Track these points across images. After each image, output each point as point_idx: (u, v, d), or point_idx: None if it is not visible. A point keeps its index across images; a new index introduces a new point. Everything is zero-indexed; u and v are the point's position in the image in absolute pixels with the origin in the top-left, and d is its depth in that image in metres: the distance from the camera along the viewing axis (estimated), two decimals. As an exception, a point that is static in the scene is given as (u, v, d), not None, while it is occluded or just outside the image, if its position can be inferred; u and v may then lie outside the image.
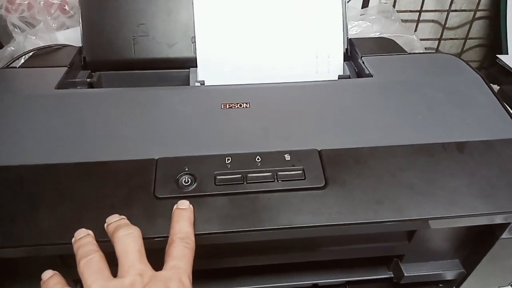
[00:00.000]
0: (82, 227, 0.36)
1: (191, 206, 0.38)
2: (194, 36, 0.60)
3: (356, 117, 0.48)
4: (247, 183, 0.41)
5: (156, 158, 0.42)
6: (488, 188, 0.41)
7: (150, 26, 0.62)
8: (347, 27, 0.63)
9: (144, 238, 0.35)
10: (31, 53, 0.64)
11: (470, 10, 1.06)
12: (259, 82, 0.53)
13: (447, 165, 0.43)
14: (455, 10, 1.06)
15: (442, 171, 0.42)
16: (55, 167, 0.41)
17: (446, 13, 1.05)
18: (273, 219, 0.38)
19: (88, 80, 0.59)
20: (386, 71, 0.56)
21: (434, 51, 1.12)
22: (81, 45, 0.62)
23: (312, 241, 0.45)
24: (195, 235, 0.36)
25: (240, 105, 0.49)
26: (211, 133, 0.45)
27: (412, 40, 0.84)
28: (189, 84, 0.59)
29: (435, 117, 0.48)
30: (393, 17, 0.89)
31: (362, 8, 0.93)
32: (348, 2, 0.65)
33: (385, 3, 0.97)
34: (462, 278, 0.50)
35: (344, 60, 0.63)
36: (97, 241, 0.35)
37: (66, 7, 0.78)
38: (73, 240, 0.35)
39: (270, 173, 0.41)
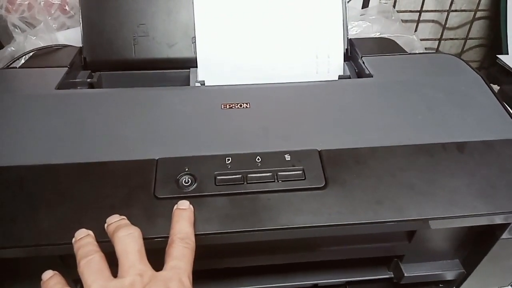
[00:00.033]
0: (82, 227, 0.36)
1: (191, 206, 0.38)
2: (194, 36, 0.60)
3: (356, 117, 0.48)
4: (247, 183, 0.41)
5: (156, 158, 0.42)
6: (488, 188, 0.41)
7: (150, 26, 0.62)
8: (347, 27, 0.63)
9: (144, 238, 0.35)
10: (31, 54, 0.65)
11: (470, 10, 1.06)
12: (259, 82, 0.53)
13: (447, 165, 0.43)
14: (455, 10, 1.06)
15: (442, 171, 0.42)
16: (55, 167, 0.41)
17: (446, 13, 1.05)
18: (273, 219, 0.38)
19: (89, 80, 0.59)
20: (386, 71, 0.56)
21: (434, 51, 1.12)
22: (81, 45, 0.62)
23: (312, 241, 0.45)
24: (195, 235, 0.36)
25: (240, 105, 0.49)
26: (211, 133, 0.45)
27: (412, 40, 0.84)
28: (189, 84, 0.59)
29: (435, 117, 0.48)
30: (393, 17, 0.89)
31: (362, 8, 0.93)
32: (348, 2, 0.65)
33: (385, 3, 0.97)
34: (462, 278, 0.50)
35: (344, 60, 0.63)
36: (97, 241, 0.35)
37: (66, 7, 0.78)
38: (73, 240, 0.35)
39: (270, 173, 0.41)
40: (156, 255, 0.34)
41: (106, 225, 0.36)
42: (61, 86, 0.53)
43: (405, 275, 0.49)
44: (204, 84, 0.58)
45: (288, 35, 0.61)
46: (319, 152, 0.43)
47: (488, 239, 0.44)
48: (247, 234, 0.38)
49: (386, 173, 0.42)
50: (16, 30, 0.76)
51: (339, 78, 0.61)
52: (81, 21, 0.62)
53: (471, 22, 1.08)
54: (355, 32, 0.82)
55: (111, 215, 0.37)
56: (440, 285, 0.53)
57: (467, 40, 1.12)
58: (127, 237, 0.34)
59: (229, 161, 0.42)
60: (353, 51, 0.64)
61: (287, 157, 0.43)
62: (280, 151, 0.43)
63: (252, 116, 0.48)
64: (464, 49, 1.14)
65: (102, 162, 0.42)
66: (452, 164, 0.43)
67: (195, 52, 0.60)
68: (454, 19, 1.10)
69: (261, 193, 0.40)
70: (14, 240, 0.36)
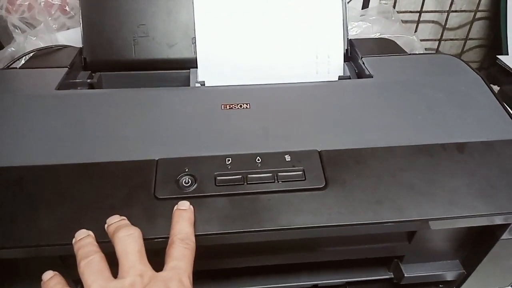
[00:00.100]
0: (83, 228, 0.36)
1: (191, 206, 0.38)
2: (194, 37, 0.60)
3: (356, 117, 0.48)
4: (247, 183, 0.41)
5: (157, 158, 0.42)
6: (488, 188, 0.41)
7: (150, 27, 0.62)
8: (347, 27, 0.64)
9: (144, 239, 0.35)
10: (31, 54, 0.64)
11: (470, 11, 1.06)
12: (259, 83, 0.53)
13: (447, 165, 0.43)
14: (455, 11, 1.06)
15: (442, 171, 0.42)
16: (55, 168, 0.41)
17: (446, 13, 1.05)
18: (273, 219, 0.38)
19: (89, 80, 0.59)
20: (386, 72, 0.56)
21: (434, 51, 1.12)
22: (81, 46, 0.62)
23: (312, 242, 0.45)
24: (195, 235, 0.36)
25: (240, 106, 0.49)
26: (211, 134, 0.45)
27: (412, 40, 0.84)
28: (189, 85, 0.59)
29: (435, 117, 0.48)
30: (393, 18, 0.89)
31: (362, 8, 0.93)
32: (348, 2, 0.65)
33: (385, 3, 0.97)
34: (462, 278, 0.50)
35: (344, 61, 0.63)
36: (97, 241, 0.35)
37: (67, 8, 0.78)
38: (73, 240, 0.35)
39: (270, 174, 0.41)
40: (156, 255, 0.34)
41: (106, 225, 0.36)
42: (61, 86, 0.53)
43: (405, 275, 0.49)
44: (204, 84, 0.58)
45: (288, 36, 0.61)
46: (319, 153, 0.43)
47: (488, 239, 0.44)
48: (247, 234, 0.38)
49: (386, 173, 0.42)
50: (16, 30, 0.76)
51: (339, 79, 0.61)
52: (81, 22, 0.62)
53: (471, 22, 1.08)
54: (355, 32, 0.82)
55: (111, 215, 0.37)
56: (440, 285, 0.53)
57: (467, 41, 1.12)
58: (127, 238, 0.34)
59: (229, 162, 0.42)
60: (353, 52, 0.64)
61: (287, 158, 0.43)
62: (280, 152, 0.43)
63: (252, 116, 0.48)
64: (464, 49, 1.14)
65: (102, 163, 0.42)
66: (452, 164, 0.43)
67: (195, 53, 0.60)
68: (454, 20, 1.10)
69: (261, 194, 0.40)
70: (14, 240, 0.36)
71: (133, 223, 0.36)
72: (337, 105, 0.50)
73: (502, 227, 0.42)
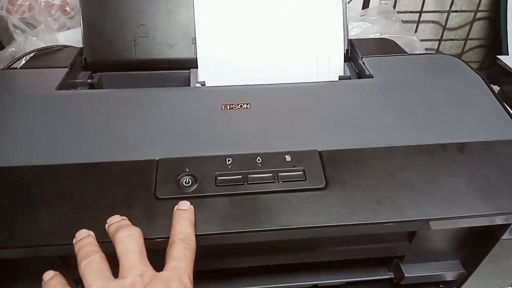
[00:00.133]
0: (83, 228, 0.36)
1: (191, 206, 0.38)
2: (195, 37, 0.61)
3: (356, 117, 0.48)
4: (247, 183, 0.41)
5: (157, 158, 0.42)
6: (488, 188, 0.41)
7: (150, 27, 0.62)
8: (347, 27, 0.64)
9: (144, 239, 0.35)
10: (32, 54, 0.65)
11: (470, 11, 1.06)
12: (259, 83, 0.53)
13: (447, 165, 0.43)
14: (456, 11, 1.06)
15: (442, 171, 0.42)
16: (55, 168, 0.41)
17: (446, 13, 1.05)
18: (274, 219, 0.38)
19: (89, 81, 0.59)
20: (386, 72, 0.56)
21: (435, 52, 1.12)
22: (82, 46, 0.63)
23: (312, 242, 0.45)
24: (196, 235, 0.36)
25: (241, 106, 0.49)
26: (211, 134, 0.45)
27: (413, 41, 0.84)
28: (189, 85, 0.59)
29: (435, 117, 0.48)
30: (393, 18, 0.89)
31: (362, 9, 0.93)
32: (348, 2, 0.65)
33: (386, 4, 0.97)
34: (463, 279, 0.50)
35: (344, 61, 0.63)
36: (98, 241, 0.35)
37: (67, 8, 0.78)
38: (74, 240, 0.35)
39: (270, 174, 0.41)
40: (156, 255, 0.34)
41: (106, 225, 0.36)
42: (62, 86, 0.53)
43: (406, 275, 0.49)
44: (204, 84, 0.58)
45: (288, 36, 0.61)
46: (320, 153, 0.43)
47: (488, 239, 0.44)
48: (247, 234, 0.38)
49: (386, 173, 0.42)
50: (17, 30, 0.76)
51: (339, 79, 0.61)
52: (81, 22, 0.62)
53: (471, 22, 1.08)
54: (355, 32, 0.82)
55: (111, 215, 0.37)
56: (441, 285, 0.53)
57: (467, 41, 1.12)
58: (128, 238, 0.34)
59: (229, 162, 0.42)
60: (353, 52, 0.64)
61: (288, 158, 0.43)
62: (280, 152, 0.43)
63: (252, 116, 0.48)
64: (464, 49, 1.14)
65: (102, 163, 0.42)
66: (452, 164, 0.43)
67: (196, 53, 0.61)
68: (454, 20, 1.10)
69: (261, 194, 0.40)
70: (14, 240, 0.36)
71: (134, 223, 0.36)
72: (337, 105, 0.50)
73: (503, 227, 0.42)
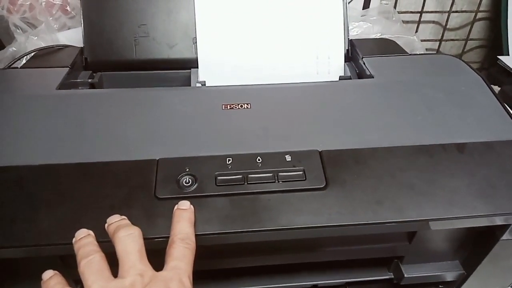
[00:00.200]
0: (83, 227, 0.36)
1: (191, 206, 0.38)
2: (195, 37, 0.61)
3: (356, 117, 0.48)
4: (247, 183, 0.41)
5: (157, 158, 0.42)
6: (488, 188, 0.41)
7: (151, 27, 0.62)
8: (348, 28, 0.64)
9: (144, 239, 0.35)
10: (32, 54, 0.65)
11: (471, 11, 1.06)
12: (260, 83, 0.53)
13: (447, 166, 0.43)
14: (456, 11, 1.06)
15: (442, 172, 0.42)
16: (56, 167, 0.41)
17: (447, 14, 1.05)
18: (274, 219, 0.38)
19: (90, 80, 0.59)
20: (387, 72, 0.56)
21: (435, 52, 1.12)
22: (82, 46, 0.63)
23: (312, 242, 0.45)
24: (196, 235, 0.36)
25: (241, 106, 0.49)
26: (212, 134, 0.45)
27: (413, 41, 0.84)
28: (190, 85, 0.59)
29: (435, 118, 0.48)
30: (394, 18, 0.89)
31: (363, 9, 0.93)
32: (349, 3, 0.65)
33: (386, 4, 0.97)
34: (462, 279, 0.50)
35: (345, 61, 0.63)
36: (97, 241, 0.35)
37: (68, 8, 0.78)
38: (73, 240, 0.35)
39: (270, 174, 0.41)
40: (156, 255, 0.34)
41: (106, 225, 0.36)
42: (62, 86, 0.53)
43: (405, 276, 0.49)
44: (204, 84, 0.58)
45: (288, 36, 0.61)
46: (320, 153, 0.43)
47: (488, 240, 0.44)
48: (247, 234, 0.38)
49: (386, 173, 0.42)
50: (18, 30, 0.76)
51: (339, 79, 0.61)
52: (82, 22, 0.62)
53: (472, 23, 1.08)
54: (355, 32, 0.82)
55: (111, 215, 0.37)
56: (440, 286, 0.53)
57: (468, 41, 1.12)
58: (128, 237, 0.34)
59: (229, 162, 0.42)
60: (353, 52, 0.64)
61: (288, 158, 0.43)
62: (280, 152, 0.43)
63: (252, 116, 0.48)
64: (465, 50, 1.14)
65: (102, 162, 0.42)
66: (452, 165, 0.43)
67: (196, 53, 0.61)
68: (455, 20, 1.10)
69: (261, 194, 0.40)
70: (14, 240, 0.36)
71: (134, 222, 0.36)
72: (337, 105, 0.50)
73: (502, 228, 0.42)
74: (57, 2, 0.77)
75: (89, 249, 0.34)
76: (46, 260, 0.39)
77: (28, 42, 0.72)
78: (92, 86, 0.59)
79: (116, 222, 0.35)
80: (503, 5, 1.01)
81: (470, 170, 0.42)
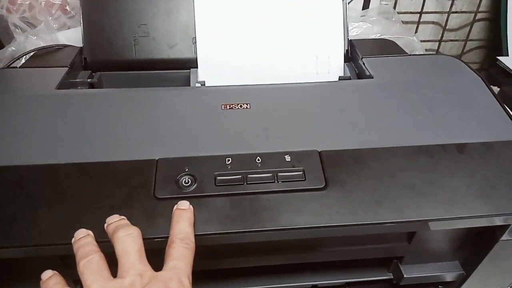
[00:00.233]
0: (82, 227, 0.36)
1: (191, 206, 0.38)
2: (195, 37, 0.60)
3: (356, 118, 0.48)
4: (247, 183, 0.41)
5: (157, 158, 0.42)
6: (488, 188, 0.41)
7: (150, 27, 0.62)
8: (347, 28, 0.64)
9: (144, 239, 0.35)
10: (32, 53, 0.65)
11: (470, 12, 1.06)
12: (259, 83, 0.53)
13: (447, 166, 0.43)
14: (456, 12, 1.06)
15: (442, 172, 0.42)
16: (55, 167, 0.41)
17: (446, 14, 1.05)
18: (273, 220, 0.38)
19: (89, 80, 0.59)
20: (386, 73, 0.56)
21: (435, 52, 1.12)
22: (82, 46, 0.63)
23: (312, 242, 0.45)
24: (195, 235, 0.36)
25: (241, 106, 0.49)
26: (211, 134, 0.45)
27: (413, 41, 0.84)
28: (189, 85, 0.59)
29: (435, 118, 0.48)
30: (393, 19, 0.89)
31: (362, 9, 0.93)
32: (348, 3, 0.65)
33: (386, 4, 0.97)
34: (462, 279, 0.50)
35: (344, 61, 0.63)
36: (97, 241, 0.35)
37: (67, 8, 0.78)
38: (73, 240, 0.35)
39: (270, 174, 0.41)
40: (156, 255, 0.34)
41: (105, 225, 0.36)
42: (62, 86, 0.53)
43: (405, 276, 0.49)
44: (204, 84, 0.58)
45: (288, 36, 0.61)
46: (319, 153, 0.43)
47: (488, 240, 0.44)
48: (247, 234, 0.38)
49: (386, 173, 0.42)
50: (17, 30, 0.76)
51: (339, 79, 0.61)
52: (81, 21, 0.62)
53: (472, 23, 1.08)
54: (355, 33, 0.82)
55: (111, 215, 0.37)
56: (440, 286, 0.53)
57: (467, 42, 1.12)
58: (127, 237, 0.34)
59: (229, 162, 0.42)
60: (353, 52, 0.64)
61: (287, 158, 0.43)
62: (280, 152, 0.43)
63: (252, 116, 0.48)
64: (464, 50, 1.14)
65: (102, 162, 0.42)
66: (452, 165, 0.43)
67: (196, 53, 0.61)
68: (455, 21, 1.10)
69: (261, 194, 0.40)
70: (14, 240, 0.36)
71: (133, 222, 0.36)
72: (337, 105, 0.50)
73: (502, 228, 0.42)
74: (57, 2, 0.77)
75: (88, 249, 0.34)
76: (46, 260, 0.39)
77: (28, 41, 0.72)
78: (92, 86, 0.59)
79: (116, 222, 0.35)
80: (502, 6, 1.01)
81: (470, 170, 0.42)
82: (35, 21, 0.77)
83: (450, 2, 1.03)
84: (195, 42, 0.61)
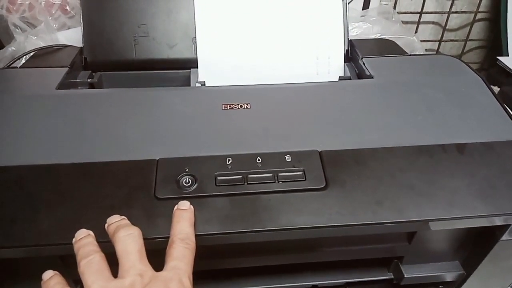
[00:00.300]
0: (83, 228, 0.36)
1: (191, 206, 0.38)
2: (195, 37, 0.60)
3: (356, 118, 0.48)
4: (247, 184, 0.41)
5: (157, 158, 0.42)
6: (488, 188, 0.41)
7: (150, 27, 0.62)
8: (347, 28, 0.64)
9: (144, 239, 0.35)
10: (32, 53, 0.65)
11: (470, 12, 1.06)
12: (259, 83, 0.53)
13: (447, 166, 0.43)
14: (456, 12, 1.06)
15: (442, 172, 0.42)
16: (55, 167, 0.41)
17: (446, 14, 1.05)
18: (274, 220, 0.38)
19: (89, 80, 0.59)
20: (386, 73, 0.56)
21: (435, 52, 1.12)
22: (82, 46, 0.63)
23: (312, 242, 0.45)
24: (196, 235, 0.36)
25: (241, 106, 0.49)
26: (211, 134, 0.45)
27: (413, 41, 0.84)
28: (189, 85, 0.59)
29: (435, 118, 0.48)
30: (393, 19, 0.89)
31: (362, 9, 0.93)
32: (348, 3, 0.65)
33: (386, 4, 0.97)
34: (462, 279, 0.50)
35: (344, 61, 0.63)
36: (97, 241, 0.35)
37: (67, 8, 0.78)
38: (73, 240, 0.35)
39: (270, 174, 0.41)
40: (156, 255, 0.34)
41: (106, 225, 0.36)
42: (62, 86, 0.53)
43: (405, 276, 0.49)
44: (204, 84, 0.58)
45: (288, 36, 0.61)
46: (320, 153, 0.43)
47: (488, 240, 0.44)
48: (247, 234, 0.38)
49: (386, 173, 0.42)
50: (17, 30, 0.76)
51: (339, 79, 0.61)
52: (81, 21, 0.62)
53: (472, 23, 1.08)
54: (355, 33, 0.82)
55: (111, 215, 0.37)
56: (440, 286, 0.53)
57: (467, 42, 1.12)
58: (128, 237, 0.34)
59: (229, 162, 0.42)
60: (353, 52, 0.64)
61: (288, 158, 0.43)
62: (280, 152, 0.43)
63: (252, 116, 0.48)
64: (464, 50, 1.14)
65: (102, 162, 0.42)
66: (452, 165, 0.43)
67: (196, 53, 0.61)
68: (455, 21, 1.10)
69: (261, 194, 0.40)
70: (14, 240, 0.36)
71: (133, 223, 0.36)
72: (337, 105, 0.50)
73: (502, 228, 0.42)
74: (57, 2, 0.77)
75: (89, 249, 0.34)
76: (46, 260, 0.39)
77: (28, 41, 0.72)
78: (92, 86, 0.59)
79: (116, 222, 0.35)
80: (502, 6, 1.01)
81: (470, 171, 0.42)
82: (35, 21, 0.77)
83: (450, 2, 1.03)
84: (195, 42, 0.61)
